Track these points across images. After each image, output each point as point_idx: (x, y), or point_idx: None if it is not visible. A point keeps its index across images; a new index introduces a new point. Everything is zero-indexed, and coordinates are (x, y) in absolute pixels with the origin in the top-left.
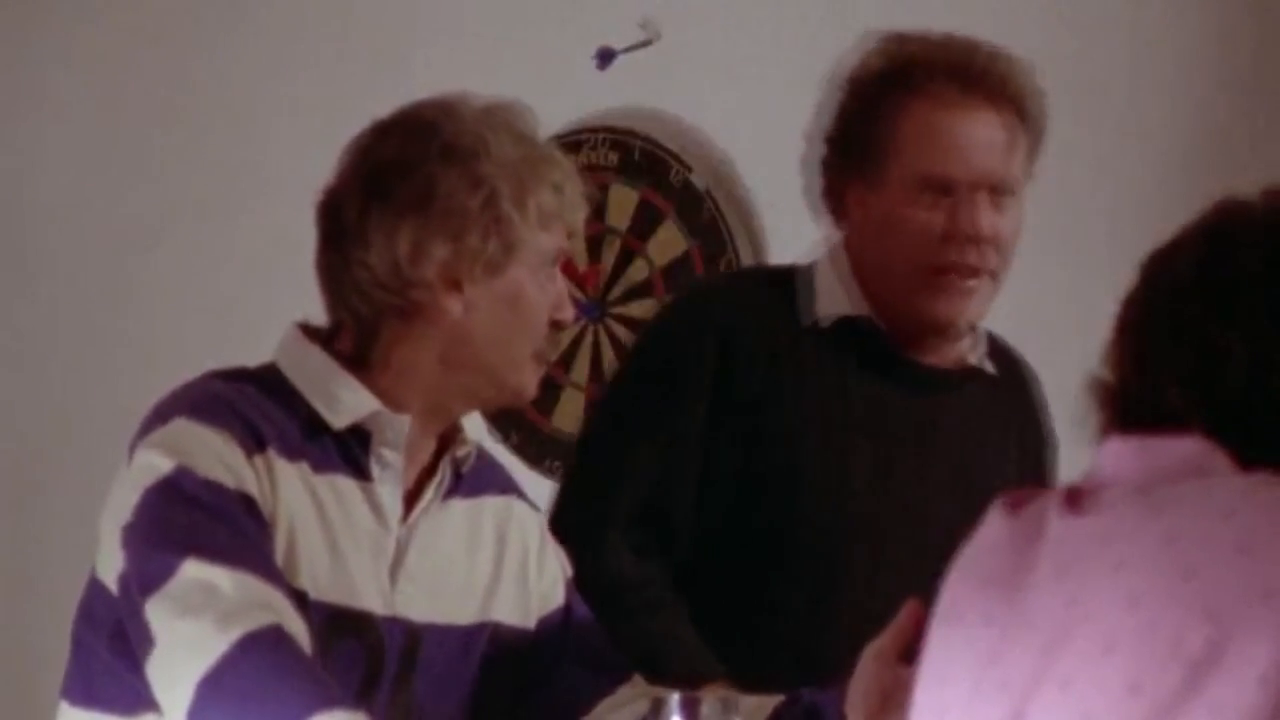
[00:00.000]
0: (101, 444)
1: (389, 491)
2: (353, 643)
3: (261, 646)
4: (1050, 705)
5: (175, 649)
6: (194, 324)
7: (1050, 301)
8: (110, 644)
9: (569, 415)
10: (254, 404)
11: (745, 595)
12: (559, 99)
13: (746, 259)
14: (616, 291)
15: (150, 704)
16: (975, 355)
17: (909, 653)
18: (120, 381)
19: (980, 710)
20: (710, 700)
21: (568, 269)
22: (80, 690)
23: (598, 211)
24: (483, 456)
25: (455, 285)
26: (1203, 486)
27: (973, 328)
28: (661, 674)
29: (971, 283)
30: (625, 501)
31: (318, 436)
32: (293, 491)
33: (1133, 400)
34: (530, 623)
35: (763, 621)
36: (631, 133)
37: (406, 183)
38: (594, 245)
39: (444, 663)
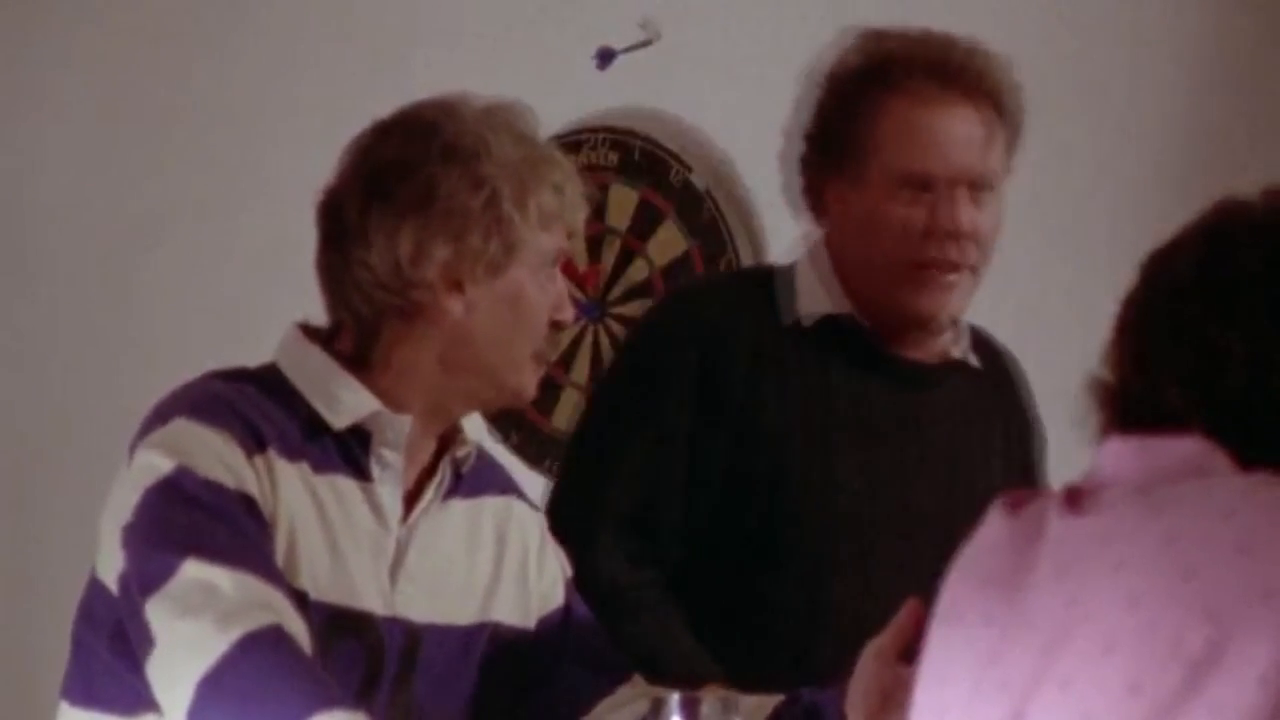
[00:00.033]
0: (101, 444)
1: (389, 492)
2: (353, 643)
3: (262, 646)
4: (1050, 705)
5: (175, 649)
6: (194, 324)
7: (1051, 301)
8: (110, 644)
9: (569, 415)
10: (254, 404)
11: (736, 595)
12: (559, 99)
13: (746, 259)
14: (616, 291)
15: (150, 704)
16: (958, 349)
17: (909, 652)
18: (120, 381)
19: (980, 710)
20: (710, 700)
21: (568, 269)
22: (80, 690)
23: (598, 211)
24: (483, 457)
25: (456, 285)
26: (1203, 486)
27: (955, 322)
28: (659, 674)
29: (952, 277)
30: (617, 500)
31: (318, 437)
32: (293, 492)
33: (1133, 400)
34: (530, 623)
35: (754, 620)
36: (631, 133)
37: (407, 183)
38: (594, 245)
39: (444, 663)
